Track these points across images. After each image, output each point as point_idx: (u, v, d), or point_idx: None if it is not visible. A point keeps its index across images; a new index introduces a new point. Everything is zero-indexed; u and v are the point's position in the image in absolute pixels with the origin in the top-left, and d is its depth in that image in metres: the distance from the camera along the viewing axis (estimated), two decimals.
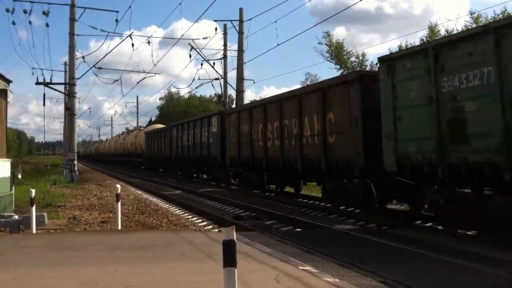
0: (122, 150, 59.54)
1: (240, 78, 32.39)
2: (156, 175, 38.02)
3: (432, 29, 42.47)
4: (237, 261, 3.83)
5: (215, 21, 34.75)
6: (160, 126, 47.93)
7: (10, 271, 6.25)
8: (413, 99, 10.94)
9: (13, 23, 33.32)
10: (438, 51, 10.23)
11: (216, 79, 36.74)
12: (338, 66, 49.37)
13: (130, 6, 46.07)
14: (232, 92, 40.75)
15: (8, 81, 14.62)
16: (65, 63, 45.14)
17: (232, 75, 35.71)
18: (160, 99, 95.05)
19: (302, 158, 16.81)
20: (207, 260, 6.88)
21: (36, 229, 10.60)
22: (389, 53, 16.52)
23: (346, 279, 6.11)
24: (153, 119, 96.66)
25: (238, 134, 22.85)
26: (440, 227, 11.30)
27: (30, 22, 50.14)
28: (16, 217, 11.14)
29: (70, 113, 33.08)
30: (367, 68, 48.06)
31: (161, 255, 7.40)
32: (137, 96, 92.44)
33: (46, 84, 33.07)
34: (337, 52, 48.90)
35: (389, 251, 8.49)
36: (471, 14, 40.47)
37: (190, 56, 35.15)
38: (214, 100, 78.43)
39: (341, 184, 14.94)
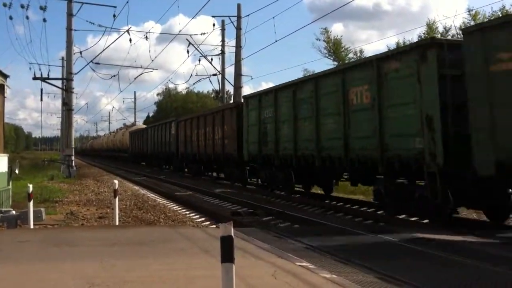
0: (113, 146, 67.12)
1: (238, 74, 32.38)
2: (154, 171, 38.08)
3: (430, 26, 42.53)
4: (235, 257, 3.84)
5: (213, 16, 34.74)
6: (142, 126, 56.00)
7: (7, 266, 6.26)
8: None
9: (10, 18, 33.54)
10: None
11: (214, 75, 36.76)
12: (336, 63, 49.40)
13: (127, 1, 45.89)
14: (230, 88, 40.71)
15: (5, 76, 14.60)
16: (63, 58, 45.05)
17: (230, 71, 35.71)
18: (157, 94, 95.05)
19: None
20: (205, 256, 6.90)
21: (34, 225, 10.61)
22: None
23: (343, 275, 6.13)
24: (151, 114, 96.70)
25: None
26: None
27: (27, 17, 50.38)
28: (14, 212, 11.16)
29: (67, 108, 33.01)
30: None
31: (159, 250, 7.41)
32: (134, 92, 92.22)
33: (43, 79, 33.00)
34: (335, 49, 48.99)
35: (387, 247, 8.51)
36: (469, 11, 40.57)
37: (188, 52, 35.21)
38: (212, 96, 78.33)
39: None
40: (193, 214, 14.69)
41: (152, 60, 35.54)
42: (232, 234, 3.87)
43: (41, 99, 50.43)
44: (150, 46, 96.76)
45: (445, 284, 6.00)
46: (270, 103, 18.77)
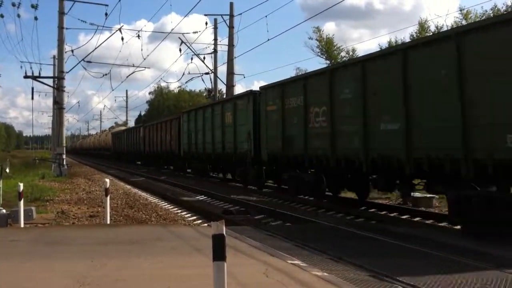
0: (98, 145, 75.69)
1: (230, 73, 32.34)
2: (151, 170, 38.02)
3: (422, 25, 42.67)
4: (227, 255, 3.85)
5: (205, 15, 34.65)
6: (122, 128, 63.89)
7: None
8: None
9: (1, 16, 32.94)
10: None
11: (206, 73, 36.65)
12: (328, 62, 49.46)
13: (119, 0, 45.56)
14: (222, 87, 40.70)
15: None
16: (54, 57, 44.82)
17: (222, 69, 35.61)
18: (149, 93, 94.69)
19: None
20: (197, 254, 6.90)
21: (24, 223, 10.56)
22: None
23: (334, 272, 6.15)
24: (143, 113, 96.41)
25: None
26: (429, 222, 11.42)
27: (18, 15, 50.07)
28: (4, 211, 11.08)
29: (58, 107, 32.83)
30: None
31: (150, 249, 7.40)
32: (126, 90, 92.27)
33: (34, 78, 32.80)
34: (327, 48, 48.99)
35: (377, 245, 8.54)
36: (460, 10, 40.78)
37: (180, 50, 35.14)
38: (204, 94, 78.22)
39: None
40: (185, 212, 14.67)
41: (144, 59, 35.43)
42: (224, 233, 3.87)
43: (32, 98, 49.88)
44: (142, 44, 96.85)
45: (439, 282, 6.03)
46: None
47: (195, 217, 13.70)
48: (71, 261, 6.52)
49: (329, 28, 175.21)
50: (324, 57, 49.63)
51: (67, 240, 8.14)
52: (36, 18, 33.67)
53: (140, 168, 41.00)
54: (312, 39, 49.80)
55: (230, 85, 32.24)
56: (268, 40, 58.52)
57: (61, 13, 31.23)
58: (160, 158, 38.29)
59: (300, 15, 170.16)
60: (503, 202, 8.67)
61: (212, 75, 36.69)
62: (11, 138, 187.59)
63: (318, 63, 73.80)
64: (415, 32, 42.99)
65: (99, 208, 14.17)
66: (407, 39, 43.85)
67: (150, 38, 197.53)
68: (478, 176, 9.29)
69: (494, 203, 8.78)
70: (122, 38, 31.86)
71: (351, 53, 49.22)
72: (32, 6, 31.08)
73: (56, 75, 33.68)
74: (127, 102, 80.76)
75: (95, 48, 36.11)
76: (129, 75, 50.44)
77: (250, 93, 20.87)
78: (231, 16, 32.42)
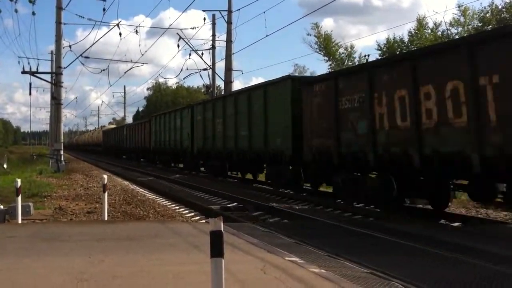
0: (91, 141, 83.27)
1: (228, 69, 32.29)
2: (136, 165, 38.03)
3: (421, 22, 42.69)
4: (224, 252, 3.85)
5: (203, 11, 34.76)
6: (112, 126, 74.06)
7: None
8: None
9: None
10: None
11: (205, 69, 36.63)
12: (326, 58, 49.48)
13: None
14: (220, 83, 40.65)
15: None
16: (52, 52, 44.73)
17: (220, 65, 35.61)
18: (147, 89, 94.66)
19: None
20: (194, 251, 6.90)
21: (22, 219, 10.54)
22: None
23: (332, 269, 6.16)
24: (141, 109, 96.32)
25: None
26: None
27: (16, 10, 49.85)
28: (1, 207, 11.06)
29: (56, 102, 32.76)
30: (356, 60, 48.18)
31: (148, 245, 7.40)
32: (124, 86, 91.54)
33: (32, 73, 32.72)
34: (325, 44, 48.99)
35: (375, 242, 8.56)
36: (458, 7, 40.78)
37: (178, 46, 35.03)
38: (202, 90, 78.18)
39: None
40: (183, 209, 14.67)
41: (142, 54, 35.58)
42: (222, 229, 3.87)
43: (30, 93, 50.15)
44: (140, 40, 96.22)
45: (440, 280, 6.05)
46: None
47: (192, 214, 13.71)
48: (68, 257, 6.51)
49: (328, 24, 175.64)
50: (323, 53, 49.67)
51: (65, 236, 8.13)
52: (33, 13, 33.45)
53: (125, 160, 48.20)
54: (310, 35, 49.88)
55: (228, 81, 32.20)
56: (267, 36, 58.25)
57: (59, 8, 31.13)
58: (137, 152, 46.37)
59: (299, 11, 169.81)
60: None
61: (210, 71, 36.68)
62: (9, 133, 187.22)
63: (316, 59, 73.83)
64: (413, 29, 43.01)
65: (96, 204, 14.17)
66: (405, 36, 43.96)
67: (148, 34, 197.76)
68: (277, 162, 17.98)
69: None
70: (120, 34, 31.79)
71: (349, 49, 49.26)
72: (30, 1, 30.93)
73: (54, 71, 33.58)
74: (125, 98, 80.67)
75: (93, 44, 36.24)
76: (127, 70, 50.76)
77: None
78: (229, 11, 32.34)
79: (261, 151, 19.49)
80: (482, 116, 9.63)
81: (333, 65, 48.13)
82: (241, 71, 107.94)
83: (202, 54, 35.64)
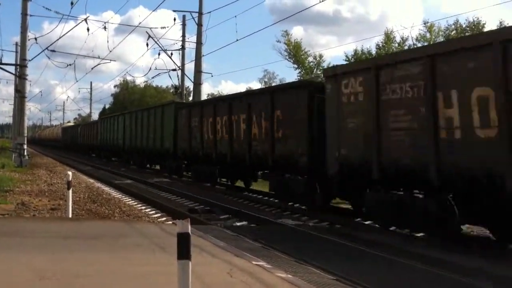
0: (52, 137, 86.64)
1: (198, 71, 32.15)
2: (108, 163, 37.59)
3: (388, 35, 43.49)
4: (191, 254, 3.82)
5: (174, 11, 34.50)
6: (70, 124, 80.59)
7: None
8: None
9: None
10: None
11: (174, 70, 36.34)
12: (296, 66, 49.74)
13: None
14: (189, 84, 40.41)
15: None
16: (16, 44, 43.69)
17: (190, 67, 35.33)
18: (115, 86, 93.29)
19: None
20: (160, 252, 6.83)
21: None
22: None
23: (298, 275, 6.18)
24: (107, 106, 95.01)
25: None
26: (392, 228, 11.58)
27: None
28: None
29: (20, 95, 31.97)
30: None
31: (113, 245, 7.29)
32: (91, 82, 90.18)
33: None
34: (295, 51, 49.25)
35: (341, 249, 8.64)
36: (424, 23, 41.95)
37: (147, 45, 34.65)
38: (171, 91, 77.62)
39: None
40: (149, 209, 14.51)
41: (110, 51, 34.95)
42: (189, 231, 3.84)
43: None
44: (108, 36, 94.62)
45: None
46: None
47: (159, 214, 13.57)
48: (31, 254, 6.36)
49: (297, 32, 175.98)
50: (292, 61, 49.92)
51: (28, 232, 7.95)
52: None
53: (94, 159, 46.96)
54: (280, 42, 50.05)
55: (197, 83, 32.06)
56: (237, 40, 58.10)
57: (25, 0, 30.47)
58: (89, 148, 52.26)
59: (269, 18, 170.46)
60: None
61: (179, 72, 36.42)
62: None
63: (286, 66, 74.09)
64: (381, 42, 43.76)
65: (60, 201, 13.87)
66: (373, 48, 44.61)
67: (116, 31, 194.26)
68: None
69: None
70: (88, 29, 31.15)
71: (318, 59, 49.66)
72: None
73: (18, 63, 32.81)
74: (91, 94, 79.68)
75: (60, 37, 35.48)
76: (94, 66, 49.88)
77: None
78: (200, 13, 32.18)
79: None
80: None
81: (302, 73, 48.46)
82: (211, 73, 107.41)
83: (172, 54, 35.32)
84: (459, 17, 59.26)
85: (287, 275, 6.02)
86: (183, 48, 36.62)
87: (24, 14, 30.60)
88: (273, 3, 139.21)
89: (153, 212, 14.04)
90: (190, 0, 61.20)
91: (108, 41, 66.87)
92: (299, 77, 47.20)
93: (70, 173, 11.63)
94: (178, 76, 36.86)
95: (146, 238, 7.98)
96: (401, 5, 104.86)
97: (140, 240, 7.74)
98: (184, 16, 36.06)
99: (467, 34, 38.66)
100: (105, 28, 32.52)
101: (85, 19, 31.13)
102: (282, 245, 8.52)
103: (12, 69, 33.82)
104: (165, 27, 34.88)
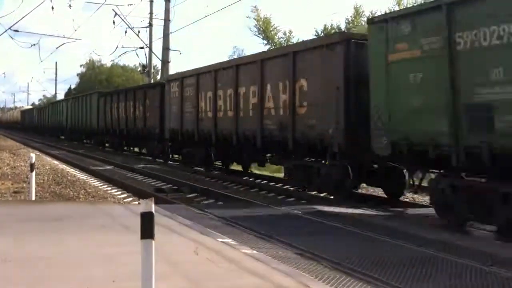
0: (12, 120, 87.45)
1: (165, 48, 31.76)
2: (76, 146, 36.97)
3: (357, 9, 43.63)
4: (156, 234, 3.81)
5: None
6: (29, 107, 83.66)
7: None
8: None
9: None
10: None
11: (141, 47, 35.76)
12: (265, 41, 49.51)
13: None
14: (157, 63, 39.85)
15: None
16: None
17: (158, 45, 34.82)
18: (81, 66, 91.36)
19: None
20: (125, 232, 6.80)
21: None
22: None
23: (263, 251, 6.25)
24: (73, 86, 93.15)
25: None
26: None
27: None
28: None
29: None
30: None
31: (77, 226, 7.21)
32: (56, 62, 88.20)
33: None
34: (264, 27, 48.98)
35: (307, 224, 8.75)
36: None
37: (113, 23, 33.93)
38: (139, 70, 76.47)
39: None
40: (115, 190, 14.40)
41: (75, 30, 34.19)
42: (153, 210, 3.83)
43: None
44: (74, 15, 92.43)
45: (360, 258, 6.26)
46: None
47: (125, 195, 13.48)
48: None
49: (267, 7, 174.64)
50: (262, 36, 49.66)
51: None
52: None
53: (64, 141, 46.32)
54: (249, 17, 49.69)
55: (165, 60, 31.69)
56: (206, 16, 57.61)
57: None
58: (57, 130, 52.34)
59: None
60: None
61: (147, 50, 35.88)
62: None
63: (257, 43, 73.92)
64: (350, 17, 43.87)
65: (24, 184, 13.64)
66: (343, 24, 44.73)
67: (83, 10, 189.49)
68: None
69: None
70: (52, 8, 30.38)
71: (288, 34, 49.52)
72: None
73: None
74: (56, 74, 78.03)
75: (23, 17, 34.40)
76: (59, 46, 48.61)
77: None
78: None
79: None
80: None
81: (271, 48, 48.27)
82: (179, 51, 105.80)
83: (139, 32, 34.74)
84: None
85: (253, 251, 6.08)
86: (150, 25, 36.01)
87: None
88: None
89: (119, 192, 13.95)
90: None
91: (73, 20, 65.32)
92: None
93: (33, 155, 11.39)
94: (145, 54, 36.30)
95: (111, 218, 7.93)
96: None
97: (105, 221, 7.68)
98: None
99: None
100: (70, 6, 31.68)
101: None
102: (248, 221, 8.57)
103: None
104: (132, 4, 34.19)
